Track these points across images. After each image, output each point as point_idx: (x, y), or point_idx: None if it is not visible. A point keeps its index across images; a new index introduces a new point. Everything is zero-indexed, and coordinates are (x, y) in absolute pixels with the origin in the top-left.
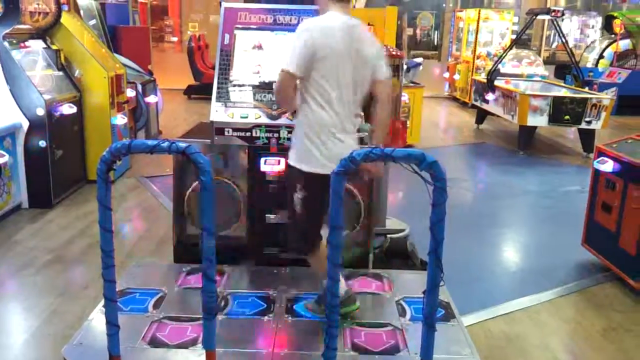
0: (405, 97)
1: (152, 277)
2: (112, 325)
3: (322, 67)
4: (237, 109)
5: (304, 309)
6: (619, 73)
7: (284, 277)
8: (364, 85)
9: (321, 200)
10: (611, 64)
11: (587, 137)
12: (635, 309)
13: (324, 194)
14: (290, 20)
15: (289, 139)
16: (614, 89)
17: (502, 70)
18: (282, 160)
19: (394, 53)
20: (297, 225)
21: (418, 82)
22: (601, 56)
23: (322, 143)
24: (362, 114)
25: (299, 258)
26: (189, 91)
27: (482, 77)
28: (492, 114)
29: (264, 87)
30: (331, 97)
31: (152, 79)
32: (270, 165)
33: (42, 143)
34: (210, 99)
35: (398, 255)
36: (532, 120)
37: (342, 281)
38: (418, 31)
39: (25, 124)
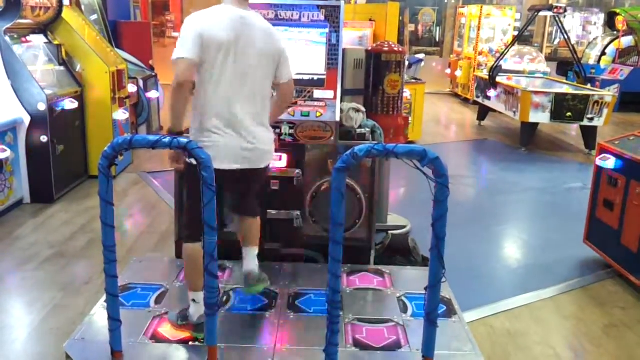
0: (407, 93)
1: (154, 273)
2: (114, 321)
3: (209, 57)
4: None
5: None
6: (621, 70)
7: (285, 272)
8: (265, 81)
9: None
10: (613, 61)
11: (589, 134)
12: (637, 306)
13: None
14: (292, 16)
15: (290, 135)
16: (616, 85)
17: (504, 67)
18: (284, 156)
19: (395, 49)
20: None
21: (420, 79)
22: (603, 53)
23: (205, 136)
24: (364, 109)
25: (300, 254)
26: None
27: (484, 73)
28: (494, 111)
29: None
30: (218, 90)
31: (153, 74)
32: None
33: (44, 138)
34: None
35: (399, 251)
36: (534, 117)
37: (256, 262)
38: (420, 27)
39: (27, 119)
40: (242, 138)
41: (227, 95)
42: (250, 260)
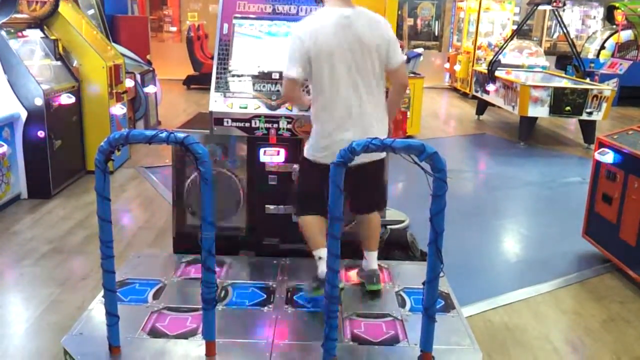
0: None
1: (152, 268)
2: (112, 316)
3: (319, 67)
4: (236, 99)
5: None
6: (620, 64)
7: (283, 267)
8: (375, 75)
9: (315, 180)
10: (612, 55)
11: (588, 128)
12: (635, 300)
13: (317, 178)
14: (290, 10)
15: (288, 129)
16: (615, 80)
17: (503, 61)
18: (282, 150)
19: None
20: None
21: (418, 73)
22: (602, 47)
23: (327, 138)
24: None
25: (298, 249)
26: (188, 81)
27: (482, 67)
28: (493, 105)
29: (263, 77)
30: (332, 95)
31: (150, 69)
32: (270, 156)
33: (41, 133)
34: (209, 89)
35: (398, 246)
36: (532, 111)
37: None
38: (418, 21)
39: (24, 114)
40: (359, 133)
41: (339, 99)
42: (373, 261)
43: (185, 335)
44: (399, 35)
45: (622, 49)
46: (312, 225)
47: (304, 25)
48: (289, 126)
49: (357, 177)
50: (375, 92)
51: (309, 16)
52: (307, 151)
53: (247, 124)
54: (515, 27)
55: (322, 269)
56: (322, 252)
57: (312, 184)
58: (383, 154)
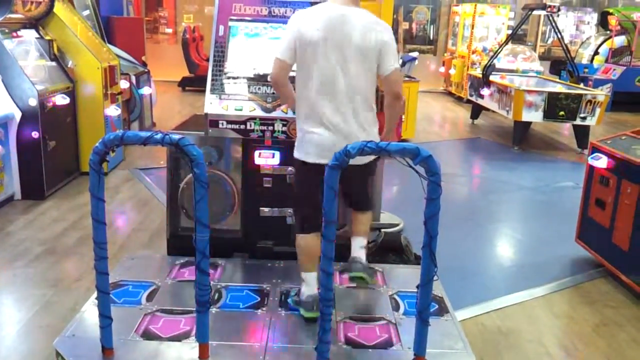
0: None
1: (146, 270)
2: (105, 318)
3: (302, 57)
4: (232, 101)
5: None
6: (614, 69)
7: (277, 270)
8: (361, 78)
9: (307, 186)
10: (606, 61)
11: (581, 133)
12: (628, 305)
13: (309, 181)
14: (285, 12)
15: (283, 132)
16: (608, 85)
17: (498, 66)
18: (277, 153)
19: None
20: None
21: (413, 77)
22: (596, 52)
23: (303, 134)
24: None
25: (292, 252)
26: (183, 83)
27: (477, 72)
28: (487, 109)
29: (258, 79)
30: (309, 89)
31: (146, 70)
32: (265, 158)
33: (35, 134)
34: (204, 91)
35: (392, 249)
36: (526, 116)
37: (363, 252)
38: (414, 25)
39: (18, 115)
40: (332, 135)
41: (316, 95)
42: (357, 248)
43: (178, 338)
44: (394, 39)
45: (615, 54)
46: (308, 248)
47: (300, 13)
48: (284, 129)
49: (352, 180)
50: (360, 96)
51: (310, 6)
52: (295, 150)
53: (242, 126)
54: (510, 31)
55: (303, 290)
56: (307, 276)
57: (307, 189)
58: (367, 160)
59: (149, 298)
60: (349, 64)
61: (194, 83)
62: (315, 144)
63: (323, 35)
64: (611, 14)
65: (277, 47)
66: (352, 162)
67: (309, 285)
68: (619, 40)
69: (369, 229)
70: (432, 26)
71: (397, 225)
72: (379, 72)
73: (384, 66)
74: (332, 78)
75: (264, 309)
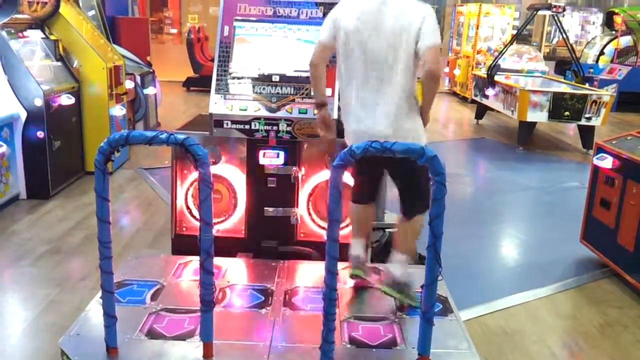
0: None
1: (150, 269)
2: (110, 317)
3: (338, 45)
4: (236, 101)
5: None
6: (620, 70)
7: (282, 270)
8: (397, 66)
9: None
10: (612, 61)
11: (586, 133)
12: (633, 306)
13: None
14: (290, 13)
15: (288, 132)
16: (614, 85)
17: (503, 66)
18: (281, 153)
19: None
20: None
21: (418, 77)
22: (602, 52)
23: (346, 120)
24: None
25: (295, 251)
26: (188, 83)
27: (482, 72)
28: (492, 110)
29: (263, 79)
30: (343, 77)
31: (150, 70)
32: (269, 158)
33: (40, 134)
34: (209, 91)
35: None
36: (531, 116)
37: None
38: None
39: (24, 115)
40: (366, 123)
41: (353, 83)
42: (394, 264)
43: (182, 337)
44: None
45: (621, 54)
46: (355, 215)
47: (342, 2)
48: (289, 129)
49: (394, 169)
50: (397, 84)
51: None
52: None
53: (247, 126)
54: (514, 32)
55: (350, 252)
56: (354, 241)
57: (357, 165)
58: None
59: (154, 297)
60: (384, 51)
61: (198, 83)
62: (352, 131)
63: (358, 24)
64: (617, 13)
65: (320, 31)
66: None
67: (354, 247)
68: (625, 41)
69: (414, 243)
70: None
71: None
72: (416, 49)
73: (421, 42)
74: (369, 66)
75: (268, 308)
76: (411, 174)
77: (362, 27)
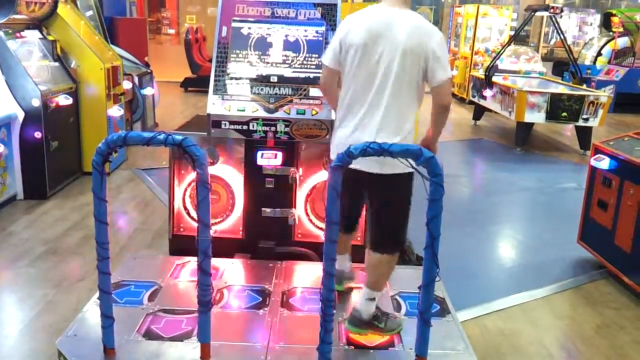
0: None
1: (148, 270)
2: (107, 318)
3: (345, 61)
4: (234, 102)
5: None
6: (617, 71)
7: (279, 270)
8: (401, 83)
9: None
10: (609, 62)
11: (584, 134)
12: (629, 306)
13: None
14: (289, 13)
15: (286, 132)
16: (611, 86)
17: (500, 67)
18: (279, 154)
19: None
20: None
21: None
22: (599, 53)
23: (337, 129)
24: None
25: (294, 252)
26: (186, 84)
27: (480, 73)
28: (490, 110)
29: (261, 80)
30: (344, 94)
31: (148, 71)
32: (267, 159)
33: (38, 134)
34: (207, 91)
35: None
36: (529, 117)
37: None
38: None
39: (21, 115)
40: (354, 136)
41: (348, 101)
42: (360, 299)
43: (180, 338)
44: None
45: (618, 55)
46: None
47: (349, 16)
48: (287, 129)
49: (370, 194)
50: (400, 101)
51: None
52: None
53: (245, 127)
54: (512, 33)
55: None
56: (338, 257)
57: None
58: (396, 168)
59: (151, 298)
60: (387, 68)
61: (196, 84)
62: (342, 142)
63: (364, 38)
64: (614, 15)
65: (325, 53)
66: (368, 168)
67: (339, 262)
68: (622, 42)
69: (381, 279)
70: None
71: None
72: (428, 81)
73: (432, 76)
74: (370, 82)
75: (265, 309)
76: (387, 199)
77: (370, 42)
